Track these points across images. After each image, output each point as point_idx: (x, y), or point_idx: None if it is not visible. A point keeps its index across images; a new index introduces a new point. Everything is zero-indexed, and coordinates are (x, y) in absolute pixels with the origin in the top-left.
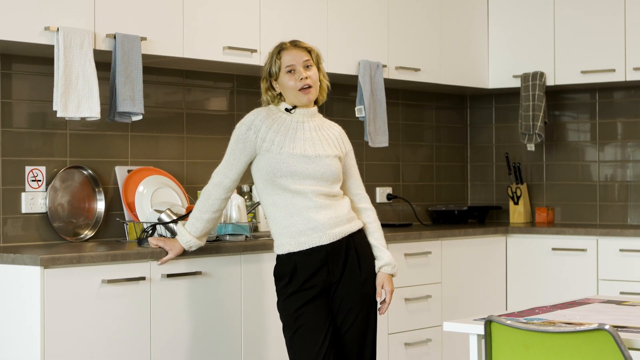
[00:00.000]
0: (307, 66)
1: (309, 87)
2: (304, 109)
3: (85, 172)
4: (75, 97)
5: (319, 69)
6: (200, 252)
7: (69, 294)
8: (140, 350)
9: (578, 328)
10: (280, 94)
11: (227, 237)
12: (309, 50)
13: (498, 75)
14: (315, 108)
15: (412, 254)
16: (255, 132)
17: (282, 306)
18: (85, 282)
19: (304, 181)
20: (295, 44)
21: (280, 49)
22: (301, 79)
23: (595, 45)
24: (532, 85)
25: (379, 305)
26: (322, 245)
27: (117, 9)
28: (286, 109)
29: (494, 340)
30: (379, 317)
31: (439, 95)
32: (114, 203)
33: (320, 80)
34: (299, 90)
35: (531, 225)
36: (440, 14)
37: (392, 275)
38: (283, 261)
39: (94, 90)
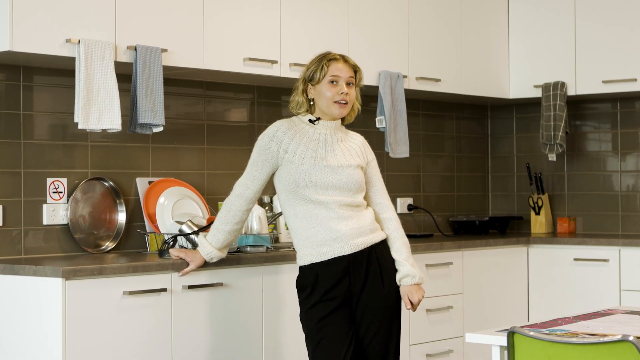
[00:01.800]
0: (349, 84)
1: (345, 103)
2: (327, 122)
3: (106, 184)
4: (97, 108)
5: (355, 90)
6: (221, 263)
7: (91, 305)
8: None
9: (602, 339)
10: (311, 101)
11: (248, 249)
12: (355, 70)
13: (519, 85)
14: (339, 122)
15: (434, 265)
16: (277, 143)
17: (305, 317)
18: (107, 293)
19: (326, 191)
20: (345, 59)
21: (330, 58)
22: (341, 93)
23: (616, 54)
24: (553, 95)
25: (407, 309)
26: (343, 256)
27: (137, 21)
28: (310, 120)
29: (516, 352)
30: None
31: (459, 106)
32: (135, 214)
33: (353, 103)
34: (335, 102)
35: (553, 236)
36: (460, 24)
37: (418, 284)
38: (305, 272)
39: (115, 102)
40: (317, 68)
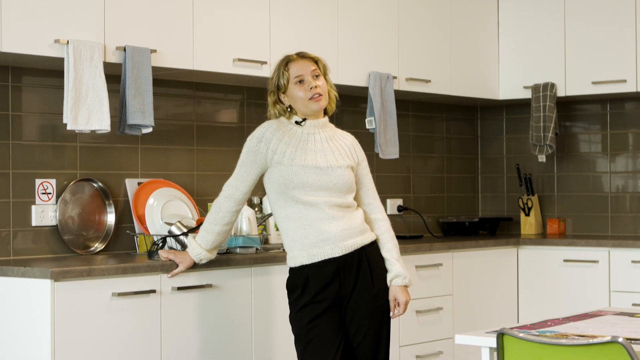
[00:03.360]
0: (316, 76)
1: (320, 95)
2: (314, 120)
3: (95, 185)
4: (85, 109)
5: (325, 79)
6: (210, 264)
7: (80, 307)
8: None
9: (591, 341)
10: (289, 107)
11: (238, 250)
12: (315, 61)
13: (508, 86)
14: (326, 119)
15: (423, 266)
16: (266, 144)
17: (294, 319)
18: (96, 295)
19: (316, 192)
20: (301, 55)
21: (287, 61)
22: (311, 88)
23: (606, 55)
24: (543, 96)
25: (390, 314)
26: (334, 258)
27: (127, 21)
28: (296, 122)
29: (506, 353)
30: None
31: (449, 107)
32: (124, 216)
33: (328, 91)
34: (310, 99)
35: (542, 237)
36: (450, 25)
37: (406, 286)
38: (295, 273)
39: (104, 103)
40: (279, 75)
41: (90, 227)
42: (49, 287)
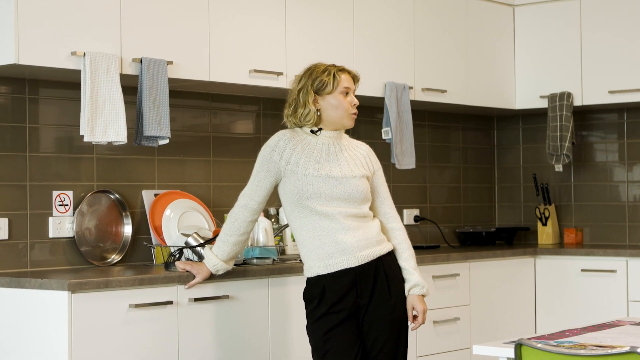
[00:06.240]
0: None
1: (356, 114)
2: (329, 131)
3: (112, 196)
4: (102, 121)
5: None
6: (227, 275)
7: (97, 318)
8: None
9: (610, 351)
10: (317, 112)
11: (255, 261)
12: (354, 81)
13: (525, 95)
14: (342, 131)
15: (440, 276)
16: (279, 153)
17: (312, 329)
18: (113, 306)
19: (331, 203)
20: (348, 71)
21: (339, 69)
22: (353, 104)
23: (622, 64)
24: (560, 106)
25: (411, 325)
26: (350, 268)
27: (143, 33)
28: (312, 131)
29: None
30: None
31: (465, 117)
32: (141, 227)
33: None
34: (350, 114)
35: (560, 247)
36: (465, 35)
37: (424, 296)
38: (312, 284)
39: (120, 115)
40: (329, 78)
41: (107, 238)
42: (66, 299)
